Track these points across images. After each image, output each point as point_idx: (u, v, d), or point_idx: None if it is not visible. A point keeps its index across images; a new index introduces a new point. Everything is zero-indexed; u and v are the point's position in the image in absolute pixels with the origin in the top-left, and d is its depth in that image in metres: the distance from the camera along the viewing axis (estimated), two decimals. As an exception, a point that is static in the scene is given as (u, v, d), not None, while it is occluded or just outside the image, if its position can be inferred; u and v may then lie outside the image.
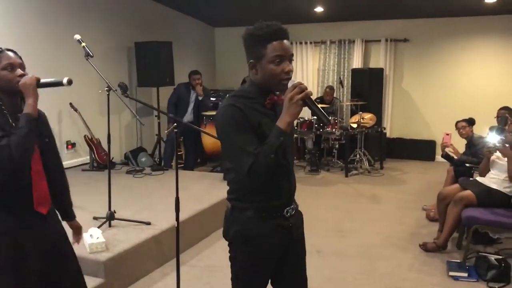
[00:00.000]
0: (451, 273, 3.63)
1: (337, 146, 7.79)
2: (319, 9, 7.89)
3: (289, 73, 1.75)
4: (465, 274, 3.60)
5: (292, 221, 1.91)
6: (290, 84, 1.70)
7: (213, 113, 7.14)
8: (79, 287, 2.20)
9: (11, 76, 1.89)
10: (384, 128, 8.04)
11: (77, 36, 3.75)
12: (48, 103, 5.46)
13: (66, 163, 6.26)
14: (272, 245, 1.87)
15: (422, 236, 4.50)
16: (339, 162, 7.82)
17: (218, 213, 4.39)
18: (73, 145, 6.28)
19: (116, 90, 3.83)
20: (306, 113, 7.76)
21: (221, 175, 5.86)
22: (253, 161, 1.67)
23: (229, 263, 1.95)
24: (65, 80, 1.91)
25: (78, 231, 2.33)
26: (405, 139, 8.63)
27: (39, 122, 1.96)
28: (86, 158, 6.39)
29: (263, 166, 1.67)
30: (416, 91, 8.60)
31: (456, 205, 4.01)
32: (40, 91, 1.90)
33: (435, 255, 4.05)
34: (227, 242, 1.94)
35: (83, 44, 3.69)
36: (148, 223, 3.95)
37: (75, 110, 6.05)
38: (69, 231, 2.27)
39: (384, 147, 7.97)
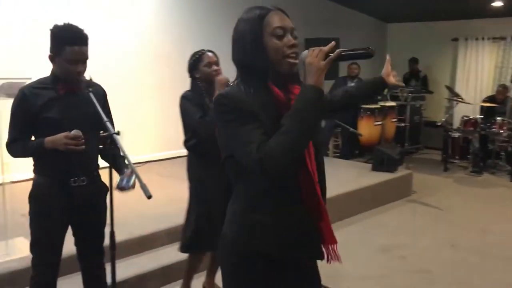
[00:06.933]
0: None
1: (509, 149, 7.31)
2: (497, 4, 7.46)
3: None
4: None
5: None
6: None
7: (372, 106, 7.38)
8: None
9: (209, 71, 2.64)
10: None
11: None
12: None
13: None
14: None
15: None
16: (508, 166, 7.32)
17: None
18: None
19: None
20: (466, 111, 7.41)
21: (369, 165, 6.13)
22: None
23: None
24: None
25: None
26: None
27: None
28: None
29: None
30: None
31: None
32: None
33: None
34: None
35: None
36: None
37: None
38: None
39: None
